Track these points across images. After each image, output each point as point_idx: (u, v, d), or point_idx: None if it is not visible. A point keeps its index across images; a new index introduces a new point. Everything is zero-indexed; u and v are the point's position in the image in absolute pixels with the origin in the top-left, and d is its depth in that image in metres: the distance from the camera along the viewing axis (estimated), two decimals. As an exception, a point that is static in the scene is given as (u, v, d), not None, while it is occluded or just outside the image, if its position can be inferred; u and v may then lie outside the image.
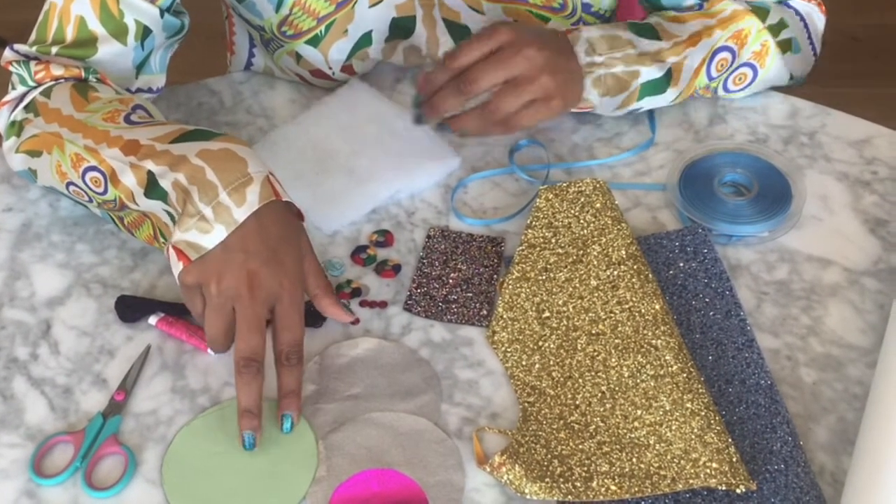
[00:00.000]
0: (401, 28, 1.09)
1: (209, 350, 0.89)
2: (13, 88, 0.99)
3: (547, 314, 0.91)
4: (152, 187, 0.86)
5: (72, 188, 0.93)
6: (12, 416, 0.86)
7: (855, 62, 2.46)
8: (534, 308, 0.91)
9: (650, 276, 0.92)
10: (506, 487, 0.80)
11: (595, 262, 0.93)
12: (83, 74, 0.97)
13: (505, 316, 0.91)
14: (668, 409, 0.84)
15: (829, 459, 0.82)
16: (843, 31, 2.50)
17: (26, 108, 0.96)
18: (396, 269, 0.96)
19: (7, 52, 0.99)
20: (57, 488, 0.81)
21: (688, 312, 0.91)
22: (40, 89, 0.96)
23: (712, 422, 0.83)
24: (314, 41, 1.08)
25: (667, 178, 1.02)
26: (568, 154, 1.06)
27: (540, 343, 0.89)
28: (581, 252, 0.93)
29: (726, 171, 1.01)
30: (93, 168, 0.89)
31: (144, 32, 0.99)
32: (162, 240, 0.91)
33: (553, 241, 0.95)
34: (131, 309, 0.92)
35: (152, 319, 0.91)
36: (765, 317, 0.92)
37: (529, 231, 0.95)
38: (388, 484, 0.81)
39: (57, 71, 0.96)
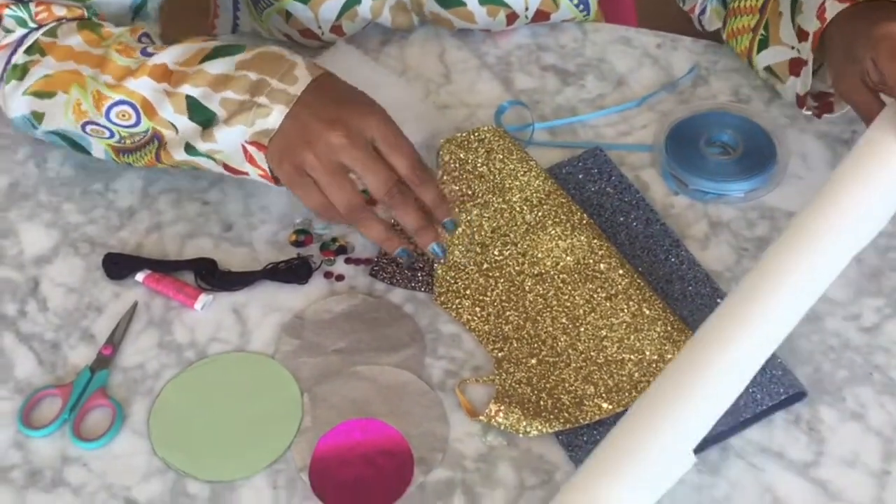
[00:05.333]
0: None
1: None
2: (7, 32, 0.96)
3: (486, 266, 0.92)
4: (195, 110, 0.87)
5: (89, 127, 0.92)
6: (1, 371, 0.87)
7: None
8: (472, 263, 0.92)
9: (573, 206, 0.94)
10: (498, 433, 0.82)
11: (518, 207, 0.95)
12: (86, 14, 0.96)
13: (447, 276, 0.91)
14: (629, 322, 0.87)
15: (806, 409, 0.84)
16: None
17: (28, 50, 0.94)
18: (381, 226, 0.97)
19: None
20: (45, 439, 0.82)
21: (612, 229, 0.95)
22: (42, 30, 0.95)
23: (672, 320, 0.87)
24: None
25: (653, 139, 1.03)
26: (551, 114, 1.06)
27: (488, 294, 0.91)
28: (500, 199, 0.95)
29: (712, 131, 1.02)
30: (120, 102, 0.89)
31: None
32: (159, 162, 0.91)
33: (469, 193, 0.96)
34: (118, 266, 0.93)
35: (139, 276, 0.92)
36: (745, 272, 0.93)
37: (443, 187, 0.95)
38: (372, 433, 0.82)
39: (59, 11, 0.95)
